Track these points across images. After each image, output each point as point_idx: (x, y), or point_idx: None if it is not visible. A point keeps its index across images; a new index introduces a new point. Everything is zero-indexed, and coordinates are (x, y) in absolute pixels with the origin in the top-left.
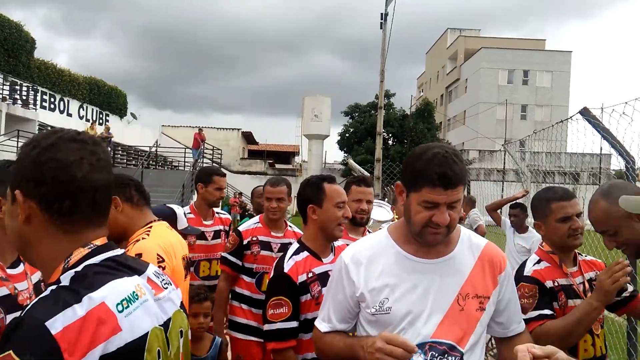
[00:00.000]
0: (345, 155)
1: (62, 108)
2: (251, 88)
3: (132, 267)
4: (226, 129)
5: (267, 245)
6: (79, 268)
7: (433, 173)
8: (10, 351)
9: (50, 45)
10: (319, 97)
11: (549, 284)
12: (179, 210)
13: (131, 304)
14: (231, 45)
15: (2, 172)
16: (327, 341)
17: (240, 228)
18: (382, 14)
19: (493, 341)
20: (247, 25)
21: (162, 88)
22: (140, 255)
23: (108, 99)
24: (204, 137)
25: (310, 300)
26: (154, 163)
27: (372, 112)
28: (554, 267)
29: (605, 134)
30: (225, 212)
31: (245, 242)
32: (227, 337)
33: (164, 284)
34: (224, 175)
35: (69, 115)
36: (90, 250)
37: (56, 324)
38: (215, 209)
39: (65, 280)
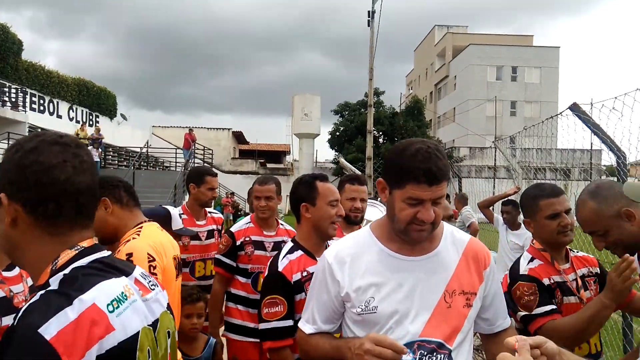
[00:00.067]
0: (336, 153)
1: (51, 110)
2: (241, 87)
3: (120, 268)
4: (217, 128)
5: (260, 245)
6: (67, 270)
7: (417, 169)
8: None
9: (37, 46)
10: (309, 96)
11: (545, 281)
12: (173, 211)
13: (121, 304)
14: (219, 44)
15: None
16: (312, 343)
17: (232, 229)
18: (369, 11)
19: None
20: (235, 24)
21: (152, 89)
22: (130, 254)
23: (97, 100)
24: (195, 138)
25: (305, 300)
26: (145, 164)
27: (362, 110)
28: (547, 264)
29: (596, 130)
30: (217, 212)
31: (238, 242)
32: (223, 339)
33: (151, 285)
34: (216, 175)
35: (59, 116)
36: (77, 252)
37: (50, 329)
38: (208, 209)
39: (54, 283)
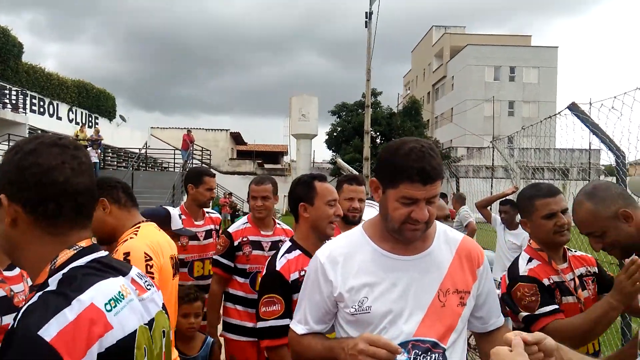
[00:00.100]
0: (334, 154)
1: (51, 111)
2: (238, 89)
3: (117, 268)
4: (215, 129)
5: (258, 245)
6: (66, 270)
7: (411, 168)
8: None
9: (37, 49)
10: (306, 97)
11: (545, 281)
12: (173, 211)
13: (118, 303)
14: (217, 46)
15: None
16: (304, 344)
17: (230, 229)
18: (366, 12)
19: None
20: (233, 26)
21: (150, 90)
22: (128, 254)
23: (97, 102)
24: (193, 138)
25: None
26: (144, 165)
27: (360, 110)
28: (545, 264)
29: (595, 129)
30: (215, 212)
31: (236, 243)
32: (221, 339)
33: (147, 285)
34: (214, 175)
35: (59, 118)
36: (75, 252)
37: (50, 330)
38: (205, 209)
39: (52, 283)
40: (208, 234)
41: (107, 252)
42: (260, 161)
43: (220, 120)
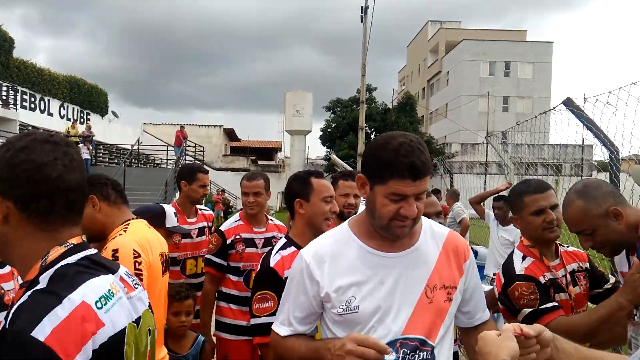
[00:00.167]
0: (328, 150)
1: (42, 108)
2: (232, 84)
3: (106, 266)
4: (208, 125)
5: (251, 242)
6: (57, 267)
7: (401, 164)
8: None
9: (29, 44)
10: (301, 92)
11: (541, 279)
12: (168, 209)
13: (109, 301)
14: (211, 41)
15: None
16: (287, 346)
17: (222, 227)
18: (362, 7)
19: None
20: (227, 21)
21: (143, 86)
22: (116, 250)
23: (89, 98)
24: (186, 135)
25: None
26: (136, 161)
27: (354, 106)
28: (538, 261)
29: (589, 124)
30: (207, 208)
31: (228, 241)
32: (215, 338)
33: (135, 284)
34: (207, 172)
35: (50, 114)
36: (67, 248)
37: (43, 330)
38: (198, 206)
39: (43, 281)
40: (201, 232)
41: (96, 250)
42: (254, 157)
43: (214, 116)
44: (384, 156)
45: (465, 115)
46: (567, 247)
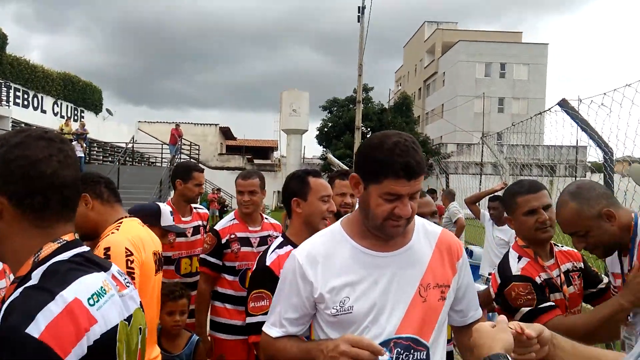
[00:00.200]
0: (324, 150)
1: (36, 104)
2: (228, 83)
3: (99, 263)
4: (204, 124)
5: (246, 241)
6: (49, 264)
7: (396, 163)
8: None
9: (22, 41)
10: (297, 92)
11: (537, 280)
12: (164, 207)
13: (101, 298)
14: (207, 39)
15: None
16: (279, 347)
17: (217, 227)
18: (359, 7)
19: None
20: (223, 19)
21: (138, 83)
22: (108, 249)
23: (83, 95)
24: (181, 133)
25: None
26: (130, 159)
27: (351, 106)
28: (533, 261)
29: (584, 126)
30: (202, 207)
31: (223, 240)
32: (211, 339)
33: (126, 283)
34: (203, 170)
35: (43, 112)
36: (60, 245)
37: (38, 326)
38: (193, 204)
39: (35, 277)
40: (196, 230)
41: (89, 248)
42: (249, 156)
43: (210, 114)
44: (378, 156)
45: (461, 116)
46: (562, 246)
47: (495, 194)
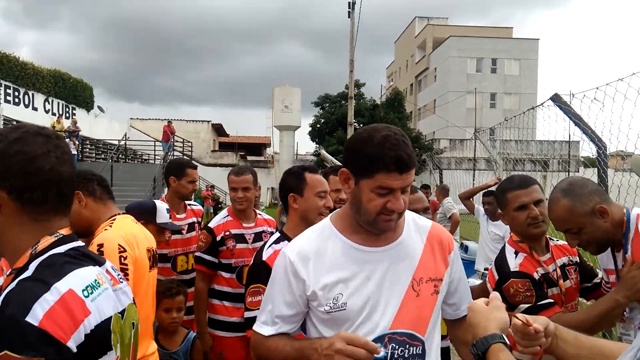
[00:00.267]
0: (317, 146)
1: (26, 102)
2: (220, 79)
3: (93, 258)
4: (196, 121)
5: (241, 238)
6: (45, 256)
7: (387, 157)
8: (6, 351)
9: (11, 37)
10: (289, 88)
11: (535, 275)
12: (160, 205)
13: (95, 290)
14: (198, 35)
15: None
16: (270, 346)
17: (211, 224)
18: (349, 2)
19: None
20: (214, 15)
21: (130, 80)
22: (101, 245)
23: (74, 92)
24: (174, 130)
25: None
26: (123, 157)
27: (343, 102)
28: (529, 257)
29: (577, 120)
30: (196, 204)
31: (218, 238)
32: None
33: (119, 278)
34: (196, 167)
35: (35, 109)
36: (56, 238)
37: (36, 315)
38: (187, 201)
39: (31, 269)
40: (191, 227)
41: (83, 243)
42: (242, 153)
43: (202, 111)
44: (368, 150)
45: (453, 112)
46: (557, 240)
47: (490, 189)
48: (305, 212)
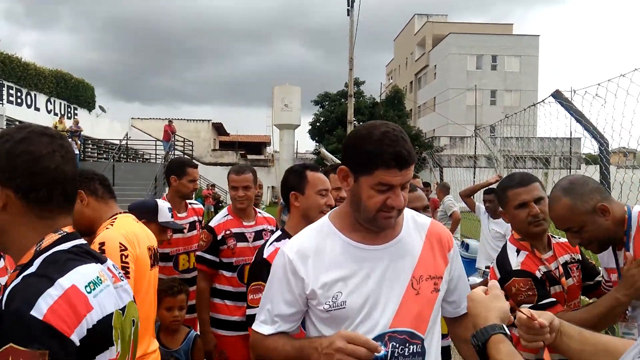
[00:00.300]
0: (317, 144)
1: (29, 102)
2: (220, 79)
3: (95, 256)
4: (196, 120)
5: (242, 237)
6: (49, 253)
7: (386, 153)
8: (11, 343)
9: (13, 38)
10: (289, 86)
11: (537, 274)
12: (162, 204)
13: (97, 286)
14: (198, 35)
15: None
16: (270, 346)
17: (211, 223)
18: (348, 1)
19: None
20: (214, 15)
21: (130, 80)
22: (103, 244)
23: (75, 93)
24: (174, 129)
25: None
26: (124, 156)
27: (342, 100)
28: (531, 255)
29: (579, 117)
30: (197, 202)
31: (219, 237)
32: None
33: (120, 276)
34: (197, 166)
35: (37, 109)
36: (60, 236)
37: (40, 309)
38: (188, 200)
39: (35, 265)
40: (192, 226)
41: (85, 241)
42: (243, 152)
43: (202, 110)
44: (367, 146)
45: (453, 109)
46: (559, 238)
47: (490, 186)
48: (307, 210)
